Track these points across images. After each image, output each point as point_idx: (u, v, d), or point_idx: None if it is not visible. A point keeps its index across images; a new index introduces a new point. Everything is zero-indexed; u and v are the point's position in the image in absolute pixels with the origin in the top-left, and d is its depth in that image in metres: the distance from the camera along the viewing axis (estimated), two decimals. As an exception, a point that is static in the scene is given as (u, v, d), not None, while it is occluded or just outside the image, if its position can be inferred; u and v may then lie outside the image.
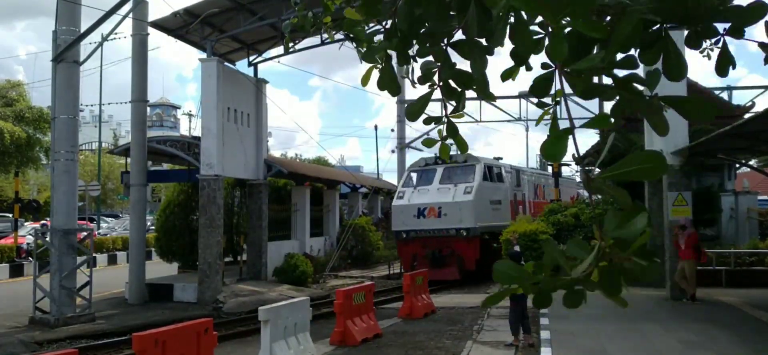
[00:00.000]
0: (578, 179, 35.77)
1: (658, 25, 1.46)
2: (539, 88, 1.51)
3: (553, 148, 1.36)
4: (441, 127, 1.93)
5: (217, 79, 18.35)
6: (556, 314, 12.57)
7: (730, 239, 19.74)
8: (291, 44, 21.97)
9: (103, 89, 58.67)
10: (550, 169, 39.64)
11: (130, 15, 17.47)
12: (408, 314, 13.56)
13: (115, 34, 37.93)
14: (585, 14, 1.34)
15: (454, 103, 1.85)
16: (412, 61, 1.88)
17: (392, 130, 36.08)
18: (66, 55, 14.93)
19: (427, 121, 1.92)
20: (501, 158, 28.16)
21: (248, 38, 21.03)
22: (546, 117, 1.90)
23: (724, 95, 26.90)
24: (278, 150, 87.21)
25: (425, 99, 1.83)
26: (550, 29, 1.43)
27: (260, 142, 21.01)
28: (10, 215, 29.12)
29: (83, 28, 15.35)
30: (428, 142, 2.04)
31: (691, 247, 13.75)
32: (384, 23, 1.85)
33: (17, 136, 28.95)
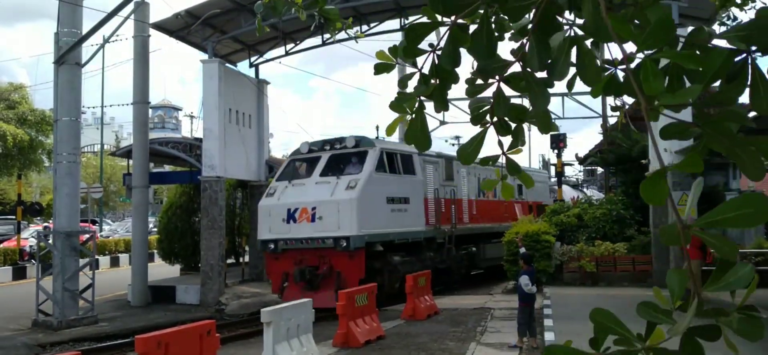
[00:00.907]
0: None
1: (743, 55, 1.33)
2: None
3: (652, 191, 1.28)
4: (500, 166, 1.78)
5: (219, 80, 18.34)
6: (561, 314, 12.50)
7: (736, 239, 19.65)
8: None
9: (105, 91, 58.83)
10: (553, 169, 39.42)
11: (132, 17, 17.45)
12: (411, 316, 13.50)
13: (117, 36, 37.99)
14: (665, 44, 1.25)
15: (510, 137, 1.70)
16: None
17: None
18: (68, 57, 14.91)
19: (483, 162, 1.77)
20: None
21: (249, 39, 21.01)
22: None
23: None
24: (280, 151, 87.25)
25: (479, 140, 1.67)
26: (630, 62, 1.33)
27: (262, 143, 21.00)
28: (13, 218, 29.15)
29: (85, 30, 15.34)
30: (487, 184, 1.88)
31: (696, 247, 13.67)
32: (420, 66, 1.67)
33: (20, 138, 28.97)
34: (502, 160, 1.74)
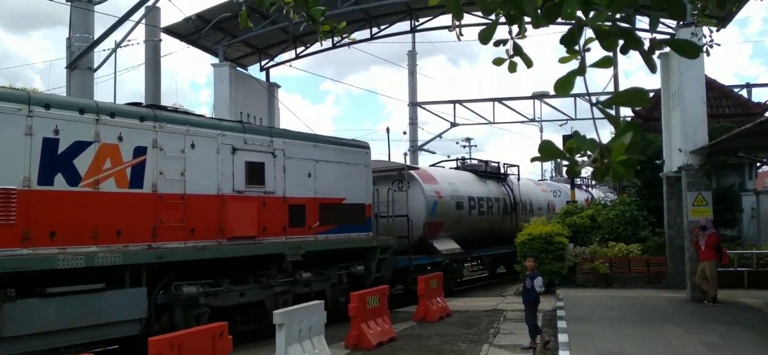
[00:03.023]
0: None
1: None
2: (567, 40, 1.95)
3: (563, 84, 1.85)
4: (508, 47, 2.30)
5: (230, 83, 18.43)
6: (575, 316, 12.38)
7: (752, 240, 19.38)
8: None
9: (117, 96, 59.12)
10: (563, 171, 39.05)
11: (143, 21, 17.56)
12: (423, 318, 13.44)
13: (129, 40, 38.29)
14: None
15: (516, 27, 2.21)
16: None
17: (404, 133, 35.99)
18: (80, 62, 15.02)
19: (496, 44, 2.27)
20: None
21: (260, 43, 21.09)
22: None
23: (744, 93, 26.51)
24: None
25: (494, 25, 2.21)
26: None
27: (273, 146, 21.01)
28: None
29: (97, 35, 15.45)
30: (498, 61, 2.35)
31: (711, 248, 13.49)
32: None
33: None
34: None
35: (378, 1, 19.37)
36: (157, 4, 18.83)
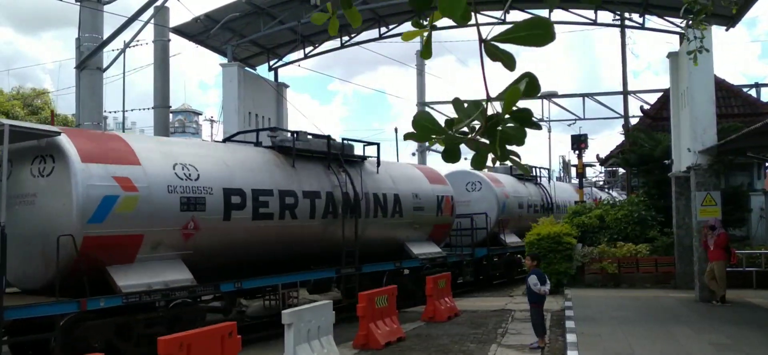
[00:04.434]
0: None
1: None
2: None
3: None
4: None
5: (238, 83, 18.51)
6: (583, 316, 12.37)
7: (761, 240, 19.29)
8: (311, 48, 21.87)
9: (126, 96, 59.29)
10: (573, 170, 38.95)
11: (152, 21, 17.66)
12: (431, 318, 13.46)
13: (137, 40, 38.57)
14: None
15: None
16: None
17: (412, 132, 35.92)
18: (89, 62, 15.14)
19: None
20: None
21: (268, 42, 21.15)
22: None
23: (753, 93, 26.36)
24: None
25: None
26: None
27: (281, 146, 21.12)
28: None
29: (106, 35, 15.57)
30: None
31: (720, 247, 13.44)
32: None
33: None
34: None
35: (386, 0, 19.38)
36: (166, 4, 18.97)
